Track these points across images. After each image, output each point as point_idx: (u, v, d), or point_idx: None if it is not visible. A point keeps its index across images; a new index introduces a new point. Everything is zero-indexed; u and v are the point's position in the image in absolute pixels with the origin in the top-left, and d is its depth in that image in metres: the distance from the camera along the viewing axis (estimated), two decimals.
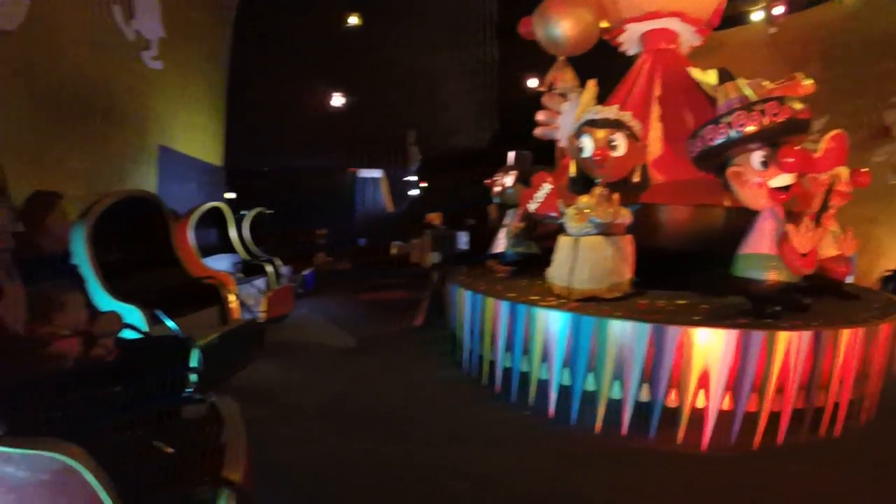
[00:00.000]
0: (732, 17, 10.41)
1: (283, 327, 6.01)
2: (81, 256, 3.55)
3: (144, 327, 3.59)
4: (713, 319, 3.36)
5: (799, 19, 9.90)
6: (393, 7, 9.53)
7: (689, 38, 5.95)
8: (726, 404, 3.22)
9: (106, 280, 3.72)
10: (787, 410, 3.23)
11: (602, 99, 5.61)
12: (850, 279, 5.17)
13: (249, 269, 6.22)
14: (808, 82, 4.92)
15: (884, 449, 3.33)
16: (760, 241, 3.39)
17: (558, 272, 3.85)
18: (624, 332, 3.30)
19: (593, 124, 3.73)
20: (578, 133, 3.80)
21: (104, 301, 3.59)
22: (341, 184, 9.59)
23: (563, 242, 3.84)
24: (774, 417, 3.24)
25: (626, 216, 3.74)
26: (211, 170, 8.74)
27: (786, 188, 3.34)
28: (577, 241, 3.72)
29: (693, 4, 5.58)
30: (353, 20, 9.25)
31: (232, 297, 4.81)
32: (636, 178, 3.82)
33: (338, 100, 9.27)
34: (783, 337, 3.12)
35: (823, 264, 4.27)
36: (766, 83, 4.88)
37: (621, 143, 3.70)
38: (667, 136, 4.75)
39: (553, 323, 3.57)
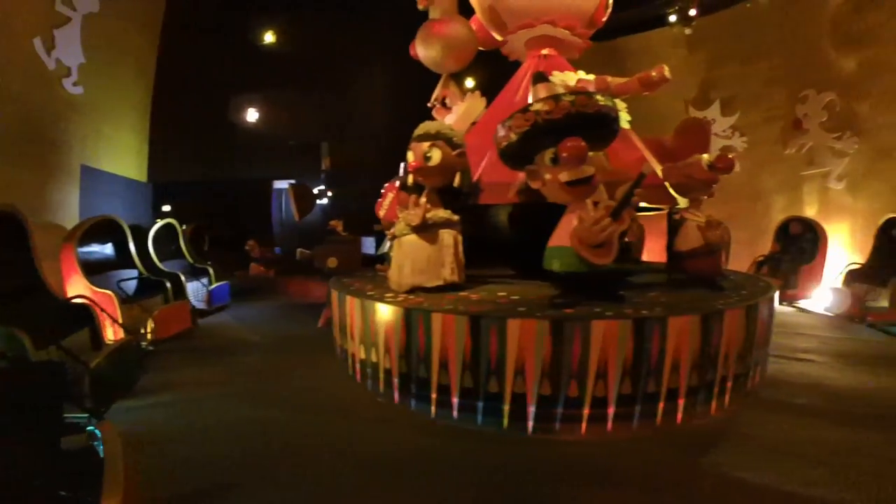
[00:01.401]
0: (655, 19, 10.74)
1: (184, 343, 5.87)
2: None
3: (28, 353, 3.56)
4: (517, 311, 3.50)
5: (715, 20, 10.18)
6: (310, 24, 9.88)
7: (570, 42, 6.16)
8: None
9: None
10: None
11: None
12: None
13: (148, 286, 6.28)
14: (658, 74, 5.09)
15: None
16: (559, 234, 3.59)
17: (392, 269, 4.15)
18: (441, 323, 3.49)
19: (416, 139, 4.05)
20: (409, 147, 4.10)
21: None
22: (263, 195, 9.92)
23: (394, 244, 4.14)
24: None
25: (443, 217, 4.02)
26: (135, 186, 9.03)
27: (584, 181, 3.46)
28: (400, 241, 4.01)
29: (566, 9, 5.75)
30: (269, 37, 9.64)
31: (106, 319, 4.80)
32: (456, 184, 4.08)
33: (253, 114, 9.60)
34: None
35: (685, 256, 4.46)
36: (612, 79, 5.09)
37: (435, 154, 4.02)
38: None
39: (381, 314, 3.84)
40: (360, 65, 9.60)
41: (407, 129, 4.23)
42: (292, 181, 6.77)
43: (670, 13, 10.36)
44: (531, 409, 3.37)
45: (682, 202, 4.62)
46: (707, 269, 4.37)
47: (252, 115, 9.50)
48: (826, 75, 8.79)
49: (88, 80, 7.58)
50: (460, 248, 4.19)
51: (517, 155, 3.70)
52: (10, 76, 6.13)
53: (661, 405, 3.41)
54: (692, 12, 10.11)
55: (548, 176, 3.56)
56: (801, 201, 9.31)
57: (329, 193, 8.11)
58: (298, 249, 6.50)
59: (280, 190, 9.66)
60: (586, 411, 3.33)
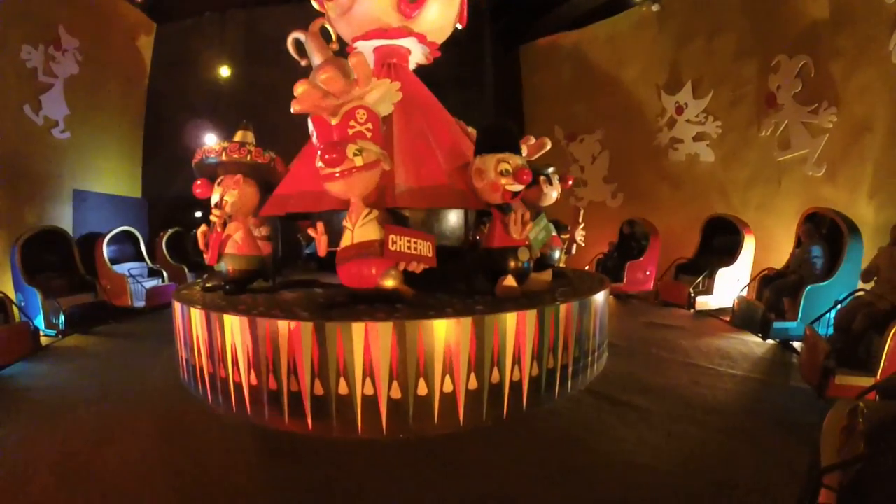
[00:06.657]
0: (621, 2, 9.91)
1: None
2: None
3: None
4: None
5: None
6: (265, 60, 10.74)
7: (417, 53, 6.12)
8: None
9: None
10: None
11: None
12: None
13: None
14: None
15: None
16: None
17: None
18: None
19: None
20: None
21: None
22: None
23: None
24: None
25: None
26: (127, 201, 10.73)
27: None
28: None
29: (375, 19, 5.67)
30: (226, 71, 10.96)
31: None
32: None
33: (212, 138, 10.70)
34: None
35: None
36: None
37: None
38: None
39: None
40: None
41: None
42: None
43: None
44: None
45: None
46: (347, 278, 3.90)
47: (211, 139, 10.68)
48: (797, 34, 7.57)
49: (75, 126, 9.18)
50: None
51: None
52: (11, 132, 7.96)
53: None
54: None
55: None
56: (775, 194, 8.02)
57: None
58: None
59: None
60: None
